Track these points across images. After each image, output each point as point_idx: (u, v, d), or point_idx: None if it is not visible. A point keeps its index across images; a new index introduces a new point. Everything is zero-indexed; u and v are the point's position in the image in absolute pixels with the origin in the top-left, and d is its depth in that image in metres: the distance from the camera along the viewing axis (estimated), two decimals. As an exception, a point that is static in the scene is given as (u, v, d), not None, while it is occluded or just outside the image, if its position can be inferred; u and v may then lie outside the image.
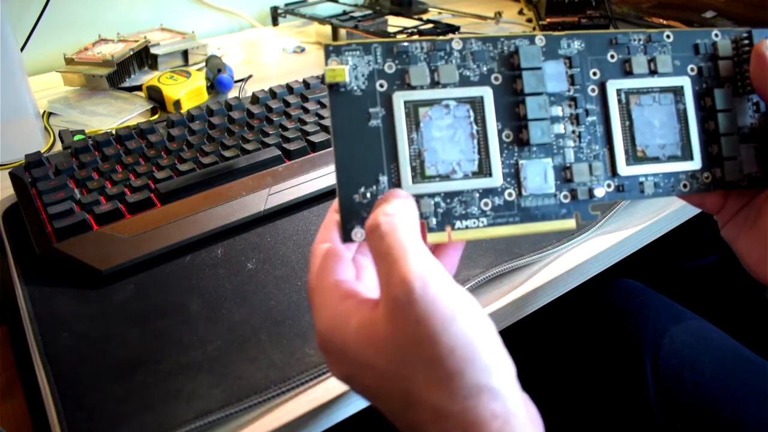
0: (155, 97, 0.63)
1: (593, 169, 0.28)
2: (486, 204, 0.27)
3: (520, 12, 0.90)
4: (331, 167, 0.48)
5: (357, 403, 0.34)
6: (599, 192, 0.28)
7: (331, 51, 0.27)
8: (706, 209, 0.32)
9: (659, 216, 0.46)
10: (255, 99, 0.56)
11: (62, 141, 0.54)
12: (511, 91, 0.28)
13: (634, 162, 0.29)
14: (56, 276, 0.40)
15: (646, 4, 0.80)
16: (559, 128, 0.28)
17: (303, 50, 0.79)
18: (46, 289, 0.39)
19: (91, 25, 0.76)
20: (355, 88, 0.27)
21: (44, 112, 0.62)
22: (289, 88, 0.58)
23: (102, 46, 0.68)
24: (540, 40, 0.28)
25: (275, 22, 0.89)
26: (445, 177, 0.27)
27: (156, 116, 0.62)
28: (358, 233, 0.26)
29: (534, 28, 0.83)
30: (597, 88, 0.29)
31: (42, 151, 0.53)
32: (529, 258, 0.41)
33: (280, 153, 0.48)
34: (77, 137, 0.53)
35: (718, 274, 0.82)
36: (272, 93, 0.57)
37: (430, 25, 0.78)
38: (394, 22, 0.84)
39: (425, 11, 0.90)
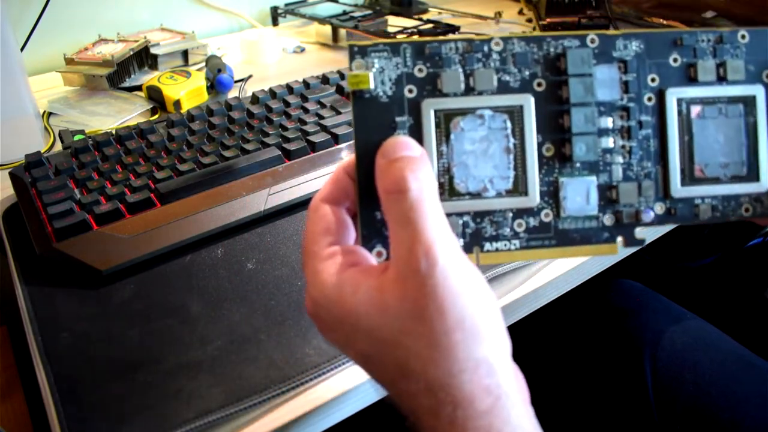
0: (155, 97, 0.63)
1: (642, 189, 0.26)
2: (519, 225, 0.25)
3: (520, 12, 0.90)
4: (332, 167, 0.48)
5: (357, 403, 0.34)
6: (647, 216, 0.26)
7: (356, 52, 0.24)
8: (764, 224, 0.31)
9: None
10: (255, 99, 0.56)
11: (62, 141, 0.54)
12: (556, 99, 0.25)
13: (691, 182, 0.26)
14: (56, 276, 0.40)
15: (647, 4, 0.80)
16: (608, 142, 0.25)
17: (303, 50, 0.79)
18: (46, 289, 0.39)
19: (91, 25, 0.76)
20: (381, 93, 0.24)
21: (44, 112, 0.62)
22: (289, 88, 0.58)
23: (102, 46, 0.68)
24: (592, 40, 0.25)
25: (275, 22, 0.89)
26: (476, 195, 0.25)
27: (156, 116, 0.62)
28: (380, 252, 0.25)
29: (534, 29, 0.83)
30: (654, 96, 0.26)
31: (42, 151, 0.53)
32: (529, 258, 0.41)
33: (280, 153, 0.48)
34: (77, 137, 0.53)
35: (719, 274, 0.82)
36: (272, 93, 0.57)
37: (430, 25, 0.78)
38: (394, 22, 0.84)
39: (425, 11, 0.90)
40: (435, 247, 0.21)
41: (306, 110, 0.54)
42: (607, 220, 0.26)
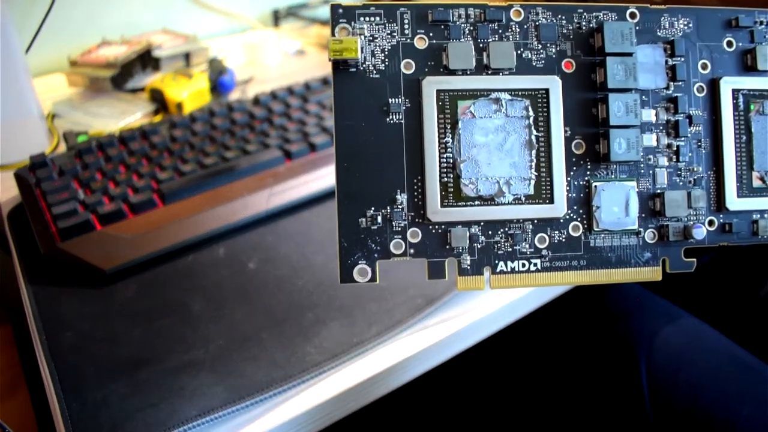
0: (158, 98, 0.64)
1: (693, 199, 0.21)
2: (542, 240, 0.21)
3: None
4: (332, 168, 0.48)
5: (357, 402, 0.35)
6: (698, 233, 0.21)
7: (341, 14, 0.20)
8: None
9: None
10: (256, 101, 0.57)
11: (66, 142, 0.54)
12: (589, 84, 0.21)
13: (749, 193, 0.22)
14: (60, 275, 0.40)
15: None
16: (650, 140, 0.21)
17: (304, 52, 0.80)
18: (50, 288, 0.39)
19: (95, 28, 0.76)
20: (371, 68, 0.20)
21: (48, 113, 0.62)
22: (290, 90, 0.58)
23: (105, 49, 0.68)
24: (632, 15, 0.21)
25: (277, 25, 0.90)
26: (488, 200, 0.20)
27: (159, 118, 0.62)
28: (362, 271, 0.20)
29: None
30: (706, 86, 0.22)
31: (46, 152, 0.53)
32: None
33: (282, 154, 0.49)
34: (81, 138, 0.54)
35: (714, 272, 0.82)
36: (273, 95, 0.58)
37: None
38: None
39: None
40: None
41: (307, 111, 0.55)
42: (649, 236, 0.21)
